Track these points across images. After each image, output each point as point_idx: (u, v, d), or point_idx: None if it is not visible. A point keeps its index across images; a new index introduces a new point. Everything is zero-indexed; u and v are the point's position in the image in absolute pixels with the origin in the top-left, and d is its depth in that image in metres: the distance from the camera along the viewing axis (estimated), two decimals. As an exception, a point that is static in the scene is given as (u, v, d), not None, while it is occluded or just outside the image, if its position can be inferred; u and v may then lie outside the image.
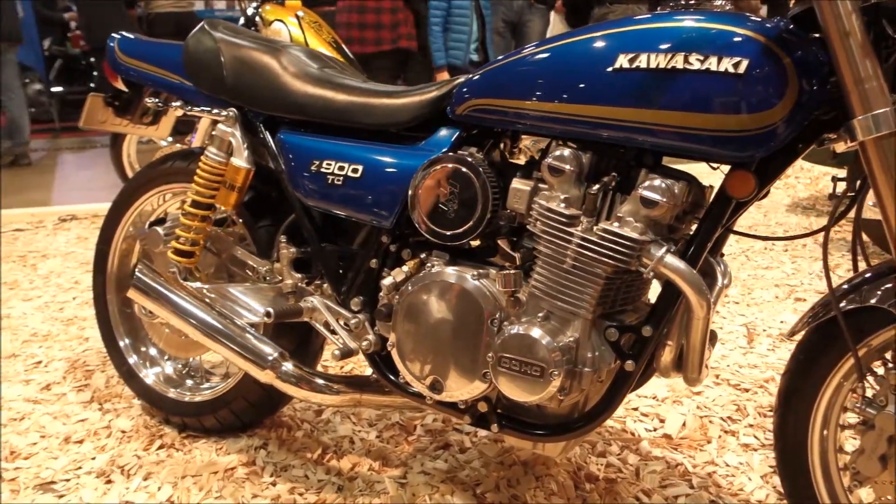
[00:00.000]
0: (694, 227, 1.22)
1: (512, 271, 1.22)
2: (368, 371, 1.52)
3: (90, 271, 3.13)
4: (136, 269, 1.63)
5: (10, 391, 2.07)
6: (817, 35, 1.07)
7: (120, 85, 1.89)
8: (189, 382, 1.86)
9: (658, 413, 1.87)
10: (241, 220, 1.67)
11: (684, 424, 1.81)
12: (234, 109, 1.57)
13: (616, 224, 1.16)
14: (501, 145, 1.39)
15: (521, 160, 1.45)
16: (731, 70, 1.06)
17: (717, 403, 1.91)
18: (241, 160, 1.56)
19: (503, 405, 1.33)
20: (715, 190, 1.20)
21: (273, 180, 1.65)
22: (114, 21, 6.16)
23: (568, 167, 1.19)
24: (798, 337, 1.20)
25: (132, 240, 1.89)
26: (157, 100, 1.70)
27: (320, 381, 1.52)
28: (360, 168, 1.40)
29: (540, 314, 1.22)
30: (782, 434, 1.24)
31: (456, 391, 1.30)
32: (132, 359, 1.89)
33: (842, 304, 1.11)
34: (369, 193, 1.39)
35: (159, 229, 1.74)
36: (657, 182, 1.14)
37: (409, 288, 1.32)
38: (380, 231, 1.42)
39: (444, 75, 4.71)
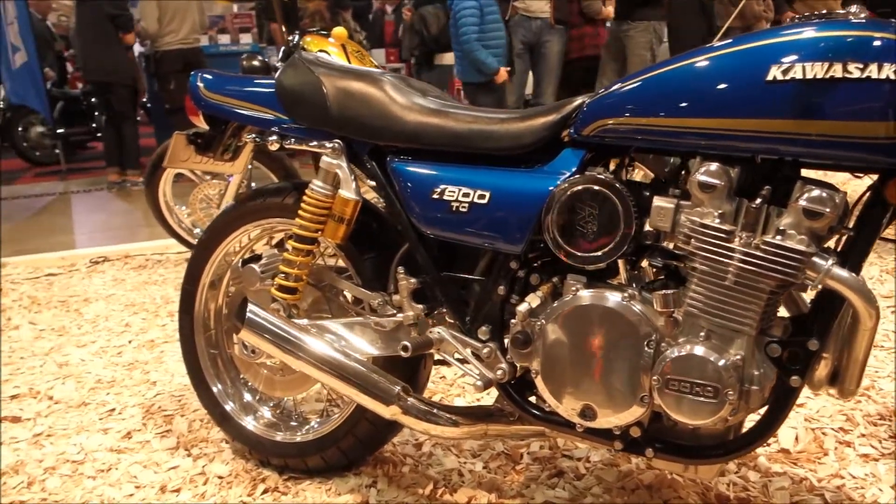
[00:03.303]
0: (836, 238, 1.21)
1: (670, 291, 1.19)
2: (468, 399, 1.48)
3: (137, 312, 3.10)
4: (248, 308, 1.59)
5: (90, 441, 2.01)
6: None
7: (200, 122, 1.86)
8: (293, 423, 1.81)
9: (766, 427, 1.83)
10: (344, 253, 1.64)
11: (797, 438, 1.78)
12: (338, 141, 1.55)
13: (779, 237, 1.13)
14: (614, 163, 1.37)
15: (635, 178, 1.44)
16: (893, 77, 1.05)
17: (824, 415, 1.88)
18: (349, 192, 1.52)
19: (655, 429, 1.29)
20: (859, 199, 1.19)
21: (373, 211, 1.63)
22: (112, 60, 6.13)
23: (720, 182, 1.17)
24: None
25: (219, 279, 1.85)
26: (254, 136, 1.67)
27: (444, 414, 1.48)
28: (488, 194, 1.37)
29: (701, 334, 1.19)
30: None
31: (611, 417, 1.27)
32: (228, 404, 1.84)
33: None
34: (498, 219, 1.36)
35: (255, 266, 1.70)
36: (817, 193, 1.12)
37: (554, 313, 1.29)
38: (506, 257, 1.39)
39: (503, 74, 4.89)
